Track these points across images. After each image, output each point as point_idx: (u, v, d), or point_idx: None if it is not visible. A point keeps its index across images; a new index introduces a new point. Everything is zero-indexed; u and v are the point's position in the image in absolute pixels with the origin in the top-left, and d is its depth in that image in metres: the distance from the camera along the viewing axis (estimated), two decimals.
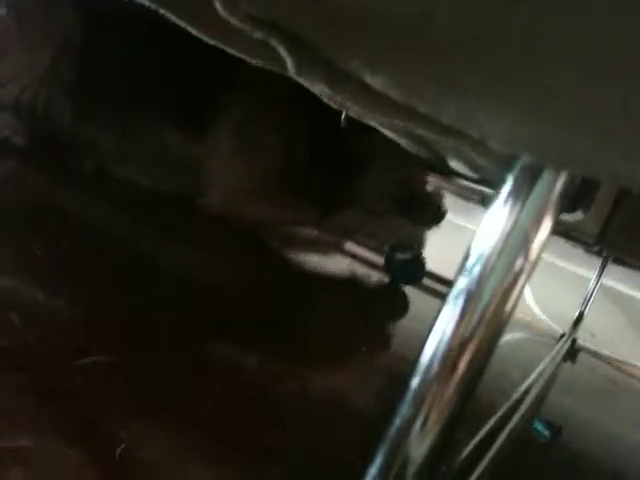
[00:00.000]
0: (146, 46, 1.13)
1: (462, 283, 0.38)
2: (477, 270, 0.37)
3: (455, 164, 0.73)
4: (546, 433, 0.83)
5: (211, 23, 0.39)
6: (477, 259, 0.38)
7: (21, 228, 0.84)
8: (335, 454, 0.57)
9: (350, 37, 0.31)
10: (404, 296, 1.32)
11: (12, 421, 0.43)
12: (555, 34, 0.23)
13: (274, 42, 0.33)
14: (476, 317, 0.37)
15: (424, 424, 0.38)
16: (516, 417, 0.78)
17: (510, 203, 0.37)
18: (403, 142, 0.64)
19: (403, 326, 1.14)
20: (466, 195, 1.27)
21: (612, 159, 0.30)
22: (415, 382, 0.38)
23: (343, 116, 0.78)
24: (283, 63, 0.37)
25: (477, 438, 0.66)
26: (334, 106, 0.48)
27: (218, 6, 0.32)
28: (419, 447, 0.38)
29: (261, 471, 0.50)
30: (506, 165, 0.38)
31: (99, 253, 0.86)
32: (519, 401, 0.85)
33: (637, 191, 0.32)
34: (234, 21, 0.32)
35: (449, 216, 1.38)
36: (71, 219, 0.95)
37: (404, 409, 0.38)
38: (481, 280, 0.37)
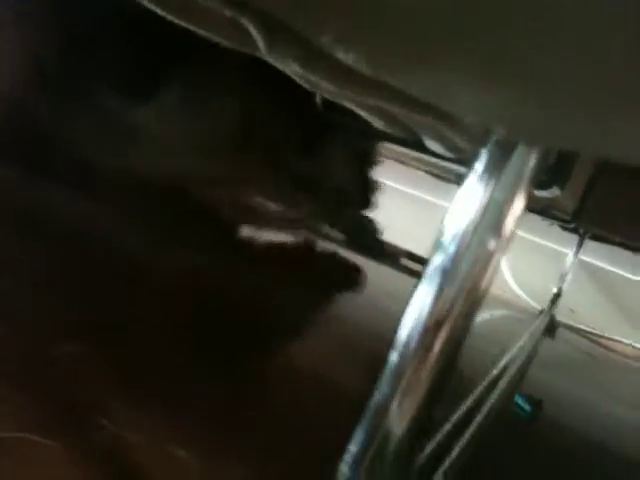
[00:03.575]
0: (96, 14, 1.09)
1: (437, 260, 0.38)
2: (452, 247, 0.38)
3: (431, 143, 0.72)
4: (527, 407, 0.84)
5: (178, 3, 0.38)
6: (452, 236, 0.38)
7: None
8: (318, 433, 0.57)
9: (320, 12, 0.30)
10: (358, 270, 1.32)
11: None
12: (531, 6, 0.23)
13: (244, 21, 0.33)
14: (452, 294, 0.38)
15: (403, 400, 0.38)
16: (496, 392, 0.79)
17: (484, 179, 0.37)
18: (378, 123, 0.64)
19: (380, 305, 1.15)
20: (441, 174, 1.28)
21: (587, 132, 0.30)
22: (393, 359, 0.39)
23: (318, 98, 0.78)
24: (254, 44, 0.37)
25: (458, 414, 0.67)
26: (307, 87, 0.48)
27: None
28: (399, 423, 0.38)
29: (244, 446, 0.50)
30: (480, 142, 0.38)
31: (73, 246, 0.85)
32: (499, 377, 0.86)
33: (614, 161, 0.32)
34: None
35: (422, 194, 1.39)
36: (50, 217, 0.95)
37: (383, 386, 0.39)
38: (456, 257, 0.37)
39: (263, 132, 1.23)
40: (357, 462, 0.39)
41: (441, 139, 0.64)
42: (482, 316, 1.29)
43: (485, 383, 0.81)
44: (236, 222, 1.28)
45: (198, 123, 1.19)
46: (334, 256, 1.33)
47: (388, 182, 1.43)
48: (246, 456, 0.49)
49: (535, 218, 1.24)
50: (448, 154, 0.76)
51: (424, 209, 1.55)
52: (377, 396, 0.39)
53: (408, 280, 1.39)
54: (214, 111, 1.19)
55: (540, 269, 1.65)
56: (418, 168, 1.32)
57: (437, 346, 0.38)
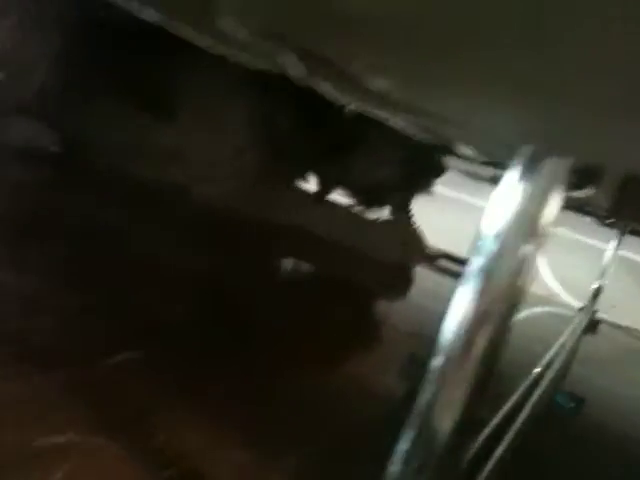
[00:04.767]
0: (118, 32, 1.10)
1: (477, 262, 0.39)
2: (491, 249, 0.39)
3: (463, 149, 0.74)
4: (569, 405, 0.84)
5: (215, 37, 0.40)
6: (490, 238, 0.39)
7: (40, 234, 0.85)
8: (363, 433, 0.59)
9: (354, 43, 0.32)
10: (408, 273, 1.33)
11: (51, 419, 0.45)
12: (556, 29, 0.24)
13: (285, 51, 0.35)
14: (492, 294, 0.39)
15: (448, 399, 0.39)
16: (539, 391, 0.79)
17: (518, 184, 0.38)
18: (412, 130, 0.65)
19: (417, 304, 1.15)
20: (475, 174, 1.28)
21: (611, 147, 0.31)
22: (438, 359, 0.40)
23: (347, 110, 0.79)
24: (284, 68, 0.39)
25: (502, 412, 0.67)
26: (341, 103, 0.50)
27: (226, 21, 0.33)
28: (445, 421, 0.40)
29: (298, 450, 0.52)
30: (512, 149, 0.39)
31: (115, 255, 0.87)
32: (541, 375, 0.86)
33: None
34: (242, 34, 0.34)
35: (459, 195, 1.38)
36: (87, 224, 0.96)
37: (428, 387, 0.40)
38: (496, 259, 0.39)
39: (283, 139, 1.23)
40: (406, 461, 0.40)
41: (474, 145, 0.65)
42: (523, 314, 1.29)
43: (528, 381, 0.81)
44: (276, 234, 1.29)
45: (217, 142, 1.20)
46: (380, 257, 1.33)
47: None
48: (294, 455, 0.51)
49: (573, 215, 1.24)
50: (480, 157, 0.76)
51: (459, 209, 1.55)
52: (423, 396, 0.40)
53: (444, 279, 1.39)
54: (232, 130, 1.21)
55: (580, 266, 1.63)
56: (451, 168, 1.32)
57: (479, 345, 0.39)
